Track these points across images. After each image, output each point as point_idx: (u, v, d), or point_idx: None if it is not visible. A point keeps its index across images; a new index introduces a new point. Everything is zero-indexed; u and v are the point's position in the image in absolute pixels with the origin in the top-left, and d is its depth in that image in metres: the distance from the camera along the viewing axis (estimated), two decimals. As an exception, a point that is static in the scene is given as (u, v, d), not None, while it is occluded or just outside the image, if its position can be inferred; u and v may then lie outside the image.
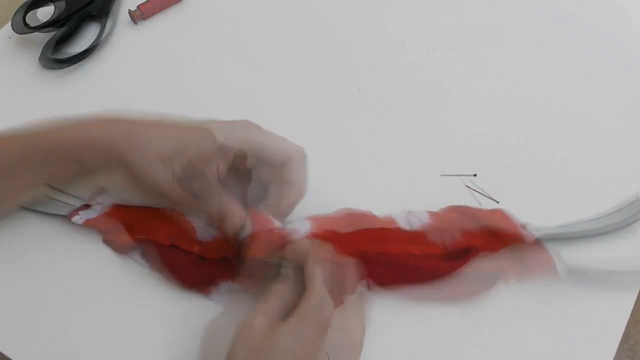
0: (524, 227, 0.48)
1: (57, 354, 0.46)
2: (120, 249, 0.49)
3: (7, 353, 0.46)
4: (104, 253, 0.49)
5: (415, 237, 0.48)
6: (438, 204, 0.52)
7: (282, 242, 0.46)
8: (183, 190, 0.44)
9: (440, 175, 0.54)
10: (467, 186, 0.54)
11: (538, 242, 0.48)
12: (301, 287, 0.40)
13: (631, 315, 0.48)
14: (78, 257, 0.49)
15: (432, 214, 0.50)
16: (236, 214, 0.45)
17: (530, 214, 0.52)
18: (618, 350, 0.46)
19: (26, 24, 0.60)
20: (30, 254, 0.49)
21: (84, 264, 0.49)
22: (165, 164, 0.44)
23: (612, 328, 0.47)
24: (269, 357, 0.37)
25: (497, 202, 0.53)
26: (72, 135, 0.44)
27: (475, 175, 0.54)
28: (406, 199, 0.53)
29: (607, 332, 0.47)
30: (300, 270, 0.41)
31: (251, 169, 0.47)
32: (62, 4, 0.61)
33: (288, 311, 0.39)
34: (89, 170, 0.46)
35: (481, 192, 0.53)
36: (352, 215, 0.50)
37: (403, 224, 0.49)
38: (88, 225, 0.49)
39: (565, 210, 0.53)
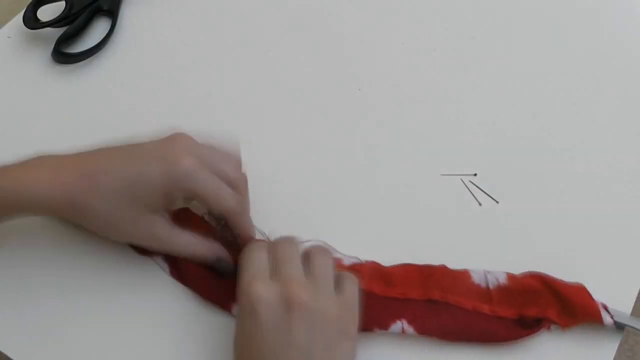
0: (604, 307, 0.46)
1: (58, 354, 0.46)
2: (142, 250, 0.48)
3: (7, 353, 0.45)
4: (124, 253, 0.49)
5: (489, 296, 0.47)
6: (438, 204, 0.53)
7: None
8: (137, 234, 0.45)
9: (440, 175, 0.54)
10: (467, 186, 0.54)
11: (616, 326, 0.46)
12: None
13: (631, 314, 0.48)
14: (94, 256, 0.49)
15: (510, 276, 0.48)
16: (205, 254, 0.46)
17: (531, 213, 0.52)
18: (618, 350, 0.46)
19: (37, 20, 0.60)
20: (38, 252, 0.49)
21: (99, 263, 0.49)
22: (109, 227, 0.45)
23: (612, 328, 0.47)
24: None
25: (497, 202, 0.53)
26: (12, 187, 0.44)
27: (475, 174, 0.54)
28: (406, 198, 0.53)
29: (607, 332, 0.47)
30: None
31: None
32: None
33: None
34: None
35: (481, 191, 0.53)
36: (425, 268, 0.48)
37: (478, 280, 0.48)
38: None
39: (566, 209, 0.53)
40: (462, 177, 0.54)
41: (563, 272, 0.48)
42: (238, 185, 0.47)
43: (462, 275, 0.48)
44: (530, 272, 0.48)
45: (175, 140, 0.45)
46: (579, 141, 0.57)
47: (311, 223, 0.51)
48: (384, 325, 0.45)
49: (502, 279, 0.47)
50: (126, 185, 0.43)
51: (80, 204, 0.43)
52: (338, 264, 0.48)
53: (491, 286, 0.47)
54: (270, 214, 0.51)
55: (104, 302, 0.47)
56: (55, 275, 0.48)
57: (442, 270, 0.48)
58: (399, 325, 0.45)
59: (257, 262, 0.42)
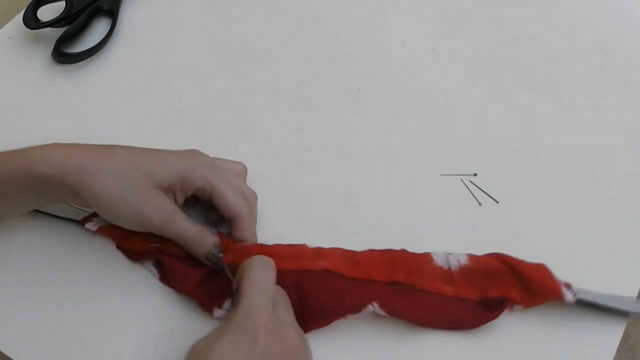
0: (567, 285, 0.46)
1: (58, 354, 0.46)
2: (133, 256, 0.49)
3: (7, 353, 0.46)
4: (116, 259, 0.49)
5: (451, 277, 0.47)
6: (438, 204, 0.53)
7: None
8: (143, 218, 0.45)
9: (441, 175, 0.54)
10: (467, 186, 0.54)
11: (578, 304, 0.46)
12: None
13: (631, 317, 0.48)
14: (88, 261, 0.49)
15: (471, 258, 0.48)
16: (205, 238, 0.47)
17: (531, 213, 0.52)
18: (618, 350, 0.46)
19: (37, 20, 0.60)
20: (37, 255, 0.49)
21: (93, 268, 0.49)
22: (117, 196, 0.44)
23: (612, 328, 0.47)
24: None
25: (497, 202, 0.53)
26: (18, 169, 0.44)
27: (475, 174, 0.54)
28: (406, 198, 0.53)
29: (607, 332, 0.47)
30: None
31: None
32: None
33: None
34: (48, 200, 0.46)
35: (481, 191, 0.53)
36: (387, 252, 0.49)
37: (440, 262, 0.48)
38: (102, 232, 0.49)
39: (566, 209, 0.53)
40: (462, 177, 0.54)
41: (563, 272, 0.48)
42: (248, 197, 0.49)
43: (424, 258, 0.48)
44: (491, 253, 0.49)
45: (192, 150, 0.49)
46: (580, 141, 0.57)
47: (310, 223, 0.51)
48: (356, 309, 0.45)
49: (464, 260, 0.48)
50: (144, 161, 0.45)
51: (92, 167, 0.43)
52: (303, 248, 0.48)
53: (453, 267, 0.48)
54: (269, 214, 0.51)
55: (102, 303, 0.47)
56: (55, 277, 0.48)
57: (404, 254, 0.48)
58: (370, 308, 0.45)
59: (264, 286, 0.42)
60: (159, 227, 0.46)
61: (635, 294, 0.49)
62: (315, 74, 0.61)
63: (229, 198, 0.47)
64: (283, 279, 0.46)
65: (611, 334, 0.47)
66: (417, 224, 0.52)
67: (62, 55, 0.59)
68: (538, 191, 0.54)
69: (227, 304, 0.46)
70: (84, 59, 0.60)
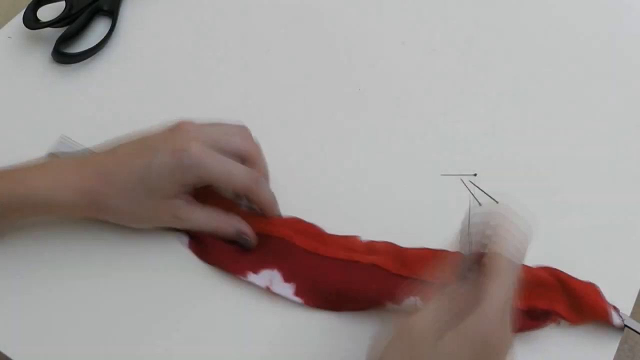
0: (615, 309, 0.46)
1: (58, 354, 0.46)
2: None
3: (7, 353, 0.46)
4: (117, 254, 0.49)
5: None
6: (438, 204, 0.52)
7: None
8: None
9: (441, 175, 0.54)
10: (467, 186, 0.54)
11: (625, 328, 0.46)
12: (476, 295, 0.37)
13: (631, 316, 0.48)
14: (88, 257, 0.49)
15: (522, 267, 0.46)
16: (224, 230, 0.48)
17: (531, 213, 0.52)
18: (618, 350, 0.46)
19: (37, 20, 0.60)
20: (36, 252, 0.49)
21: (95, 264, 0.49)
22: (131, 217, 0.47)
23: (612, 328, 0.47)
24: None
25: (497, 202, 0.53)
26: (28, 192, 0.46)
27: (475, 174, 0.54)
28: (406, 198, 0.53)
29: (607, 332, 0.47)
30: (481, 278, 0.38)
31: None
32: None
33: (457, 317, 0.36)
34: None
35: (481, 191, 0.53)
36: (440, 252, 0.48)
37: None
38: None
39: (566, 209, 0.53)
40: (462, 177, 0.54)
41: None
42: (251, 155, 0.48)
43: None
44: (542, 266, 0.48)
45: (180, 130, 0.46)
46: (580, 141, 0.57)
47: (311, 223, 0.52)
48: (397, 300, 0.46)
49: None
50: (139, 179, 0.45)
51: (101, 203, 0.46)
52: (356, 241, 0.50)
53: None
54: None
55: (103, 301, 0.47)
56: (55, 276, 0.48)
57: (457, 256, 0.48)
58: (412, 300, 0.45)
59: (509, 298, 0.38)
60: (180, 228, 0.49)
61: (635, 295, 0.49)
62: (315, 74, 0.61)
63: (227, 182, 0.47)
64: (329, 265, 0.47)
65: (611, 335, 0.47)
66: (416, 224, 0.52)
67: (62, 55, 0.59)
68: (538, 191, 0.54)
69: (263, 273, 0.47)
70: (84, 59, 0.60)
